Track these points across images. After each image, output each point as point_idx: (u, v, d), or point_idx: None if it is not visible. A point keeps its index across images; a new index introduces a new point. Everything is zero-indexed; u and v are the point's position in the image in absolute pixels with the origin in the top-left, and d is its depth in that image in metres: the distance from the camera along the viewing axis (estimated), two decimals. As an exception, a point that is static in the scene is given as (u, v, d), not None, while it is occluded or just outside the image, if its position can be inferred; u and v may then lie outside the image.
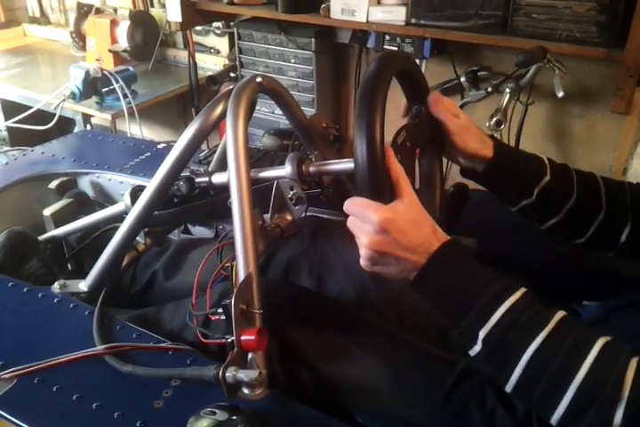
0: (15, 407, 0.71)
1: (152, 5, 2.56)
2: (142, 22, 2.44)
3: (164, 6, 2.35)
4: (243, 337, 0.67)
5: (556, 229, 0.84)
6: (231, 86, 0.80)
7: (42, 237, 1.14)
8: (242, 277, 0.72)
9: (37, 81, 2.43)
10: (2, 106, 2.46)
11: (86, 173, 1.37)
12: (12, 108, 2.38)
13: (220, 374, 0.65)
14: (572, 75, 1.63)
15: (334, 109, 2.28)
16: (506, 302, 0.60)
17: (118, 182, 1.35)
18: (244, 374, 0.65)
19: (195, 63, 2.32)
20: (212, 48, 2.53)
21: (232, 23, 2.28)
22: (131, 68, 2.21)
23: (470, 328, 0.60)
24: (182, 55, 2.53)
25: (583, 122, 1.80)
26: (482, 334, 0.59)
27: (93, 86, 2.07)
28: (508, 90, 1.61)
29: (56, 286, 0.92)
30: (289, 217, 0.83)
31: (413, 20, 1.66)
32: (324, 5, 1.82)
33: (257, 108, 2.31)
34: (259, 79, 0.79)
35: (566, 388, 0.56)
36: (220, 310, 0.73)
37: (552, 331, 0.58)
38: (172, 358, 0.78)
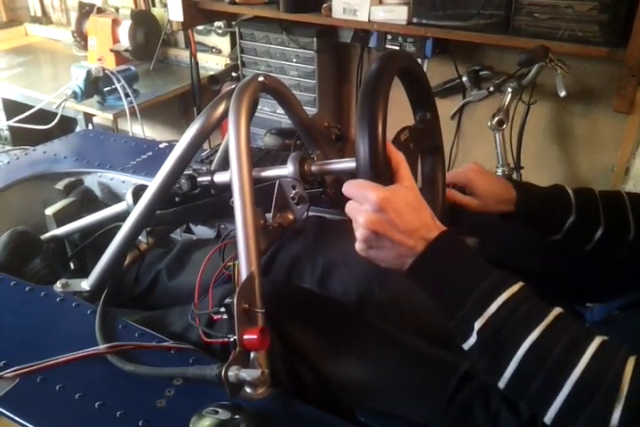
0: (17, 406, 0.71)
1: (154, 5, 2.56)
2: (144, 22, 2.44)
3: (165, 6, 2.35)
4: (245, 336, 0.67)
5: (560, 243, 0.90)
6: (233, 86, 0.80)
7: (44, 237, 1.15)
8: (244, 276, 0.72)
9: (39, 80, 2.44)
10: (4, 105, 2.46)
11: (88, 173, 1.37)
12: (13, 108, 2.38)
13: (223, 373, 0.65)
14: (574, 74, 1.63)
15: (336, 109, 2.28)
16: (503, 294, 0.59)
17: (120, 182, 1.35)
18: (246, 374, 0.65)
19: (196, 63, 2.32)
20: (213, 47, 2.53)
21: (234, 22, 2.28)
22: (132, 68, 2.21)
23: (466, 319, 0.60)
24: (184, 55, 2.53)
25: (585, 121, 1.79)
26: (477, 325, 0.59)
27: (95, 86, 2.07)
28: (509, 89, 1.61)
29: (58, 286, 0.92)
30: (291, 216, 0.83)
31: (415, 20, 1.66)
32: (325, 5, 1.82)
33: (259, 107, 2.30)
34: (261, 78, 0.79)
35: (562, 384, 0.55)
36: (222, 310, 0.73)
37: (549, 325, 0.57)
38: (174, 358, 0.78)
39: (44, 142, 1.49)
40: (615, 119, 1.68)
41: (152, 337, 0.82)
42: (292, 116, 0.90)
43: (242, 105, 0.76)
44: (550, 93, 1.73)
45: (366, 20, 1.74)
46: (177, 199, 0.97)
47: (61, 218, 1.19)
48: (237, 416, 0.65)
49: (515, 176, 1.72)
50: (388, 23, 1.72)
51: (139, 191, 0.95)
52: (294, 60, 2.09)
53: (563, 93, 1.47)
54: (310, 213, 1.11)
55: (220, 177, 0.90)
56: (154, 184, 0.83)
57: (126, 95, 2.11)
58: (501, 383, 0.60)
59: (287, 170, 0.82)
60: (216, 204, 0.95)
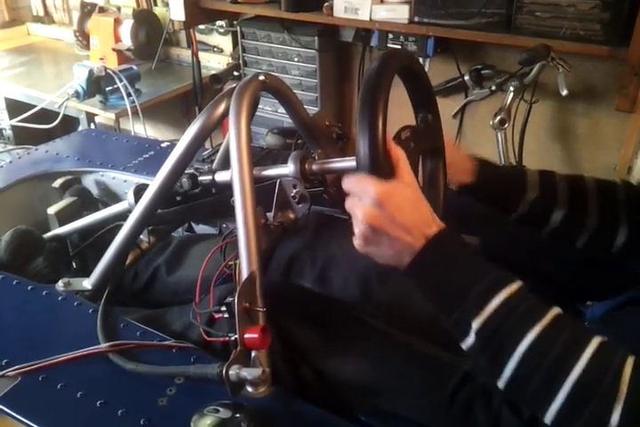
0: (19, 405, 0.72)
1: (155, 4, 2.57)
2: (146, 21, 2.44)
3: (167, 5, 2.35)
4: (246, 335, 0.67)
5: (554, 236, 0.88)
6: (234, 84, 0.80)
7: (46, 236, 1.15)
8: (245, 275, 0.72)
9: (41, 80, 2.44)
10: (6, 105, 2.47)
11: (90, 172, 1.37)
12: (16, 107, 2.38)
13: (224, 372, 0.66)
14: (577, 73, 1.63)
15: (338, 108, 2.28)
16: (501, 293, 0.59)
17: (122, 181, 1.35)
18: (247, 373, 0.65)
19: (198, 62, 2.32)
20: (215, 47, 2.53)
21: (235, 22, 2.28)
22: (134, 67, 2.21)
23: (463, 319, 0.59)
24: (186, 54, 2.53)
25: (587, 120, 1.79)
26: (475, 325, 0.58)
27: (97, 85, 2.08)
28: (511, 88, 1.61)
29: (60, 285, 0.92)
30: (292, 215, 0.83)
31: (417, 19, 1.66)
32: (327, 4, 1.82)
33: (260, 106, 2.30)
34: (261, 77, 0.79)
35: (561, 384, 0.55)
36: (223, 309, 0.73)
37: (548, 325, 0.57)
38: (175, 356, 0.78)
39: (46, 142, 1.49)
40: (617, 118, 1.68)
41: (153, 336, 0.82)
42: (293, 115, 0.90)
43: (242, 104, 0.76)
44: (552, 92, 1.73)
45: (368, 18, 1.74)
46: (178, 198, 0.97)
47: (63, 217, 1.19)
48: (238, 415, 0.65)
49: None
50: (389, 22, 1.72)
51: (140, 190, 0.95)
52: (296, 59, 2.09)
53: (564, 92, 1.47)
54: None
55: (220, 176, 0.90)
56: (155, 183, 0.83)
57: (128, 95, 2.11)
58: (500, 383, 0.60)
59: (288, 169, 0.81)
60: (217, 203, 0.95)
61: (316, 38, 1.99)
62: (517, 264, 1.00)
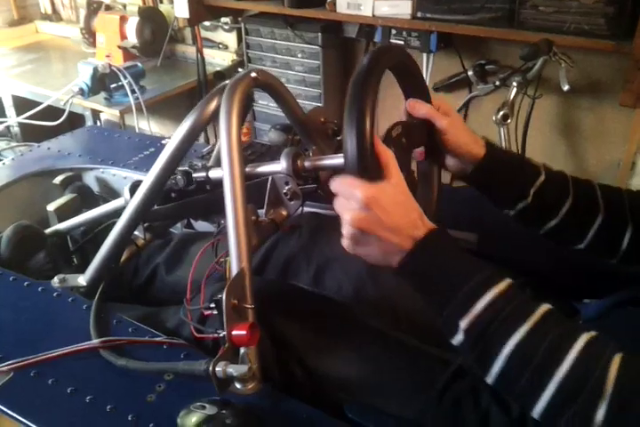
0: (10, 400, 0.72)
1: (161, 1, 2.57)
2: (151, 18, 2.44)
3: (172, 2, 2.35)
4: (234, 332, 0.67)
5: (554, 234, 0.83)
6: (225, 82, 0.80)
7: (47, 232, 1.16)
8: (234, 272, 0.72)
9: (48, 77, 2.46)
10: (13, 102, 2.49)
11: (91, 169, 1.38)
12: (23, 105, 2.40)
13: (211, 368, 0.66)
14: (581, 68, 1.61)
15: (341, 104, 2.26)
16: (489, 292, 0.59)
17: (122, 177, 1.36)
18: (233, 369, 0.65)
19: (203, 59, 2.32)
20: (220, 43, 2.53)
21: (240, 18, 2.28)
22: (139, 64, 2.21)
23: (452, 318, 0.60)
24: (191, 51, 2.53)
25: (592, 115, 1.77)
26: (463, 324, 0.59)
27: (102, 82, 2.09)
28: (514, 83, 1.59)
29: (56, 281, 0.93)
30: (284, 212, 0.83)
31: (419, 14, 1.65)
32: (329, 0, 1.81)
33: (264, 102, 2.32)
34: (253, 74, 0.79)
35: (548, 382, 0.55)
36: (212, 305, 0.73)
37: (536, 323, 0.57)
38: (166, 353, 0.78)
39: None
40: (623, 113, 1.65)
41: (145, 332, 0.82)
42: (287, 111, 0.89)
43: (233, 101, 0.75)
44: (556, 87, 1.70)
45: (370, 14, 1.73)
46: (173, 195, 0.97)
47: (62, 213, 1.20)
48: (224, 411, 0.65)
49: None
50: (392, 18, 1.71)
51: (136, 187, 0.95)
52: (299, 55, 2.08)
53: (566, 88, 1.45)
54: (306, 209, 1.11)
55: (214, 173, 0.90)
56: (147, 180, 0.84)
57: (132, 91, 2.12)
58: (489, 380, 0.60)
59: (280, 166, 0.81)
60: (212, 199, 0.95)
61: (320, 34, 1.98)
62: (514, 261, 1.00)
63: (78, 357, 0.78)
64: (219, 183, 0.89)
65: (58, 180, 1.31)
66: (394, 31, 1.77)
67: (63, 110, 2.13)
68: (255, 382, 0.71)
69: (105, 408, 0.70)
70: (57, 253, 1.14)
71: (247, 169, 0.88)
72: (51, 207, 1.20)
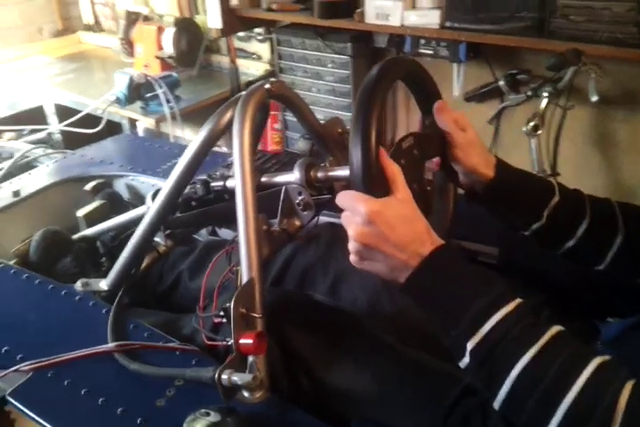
0: (27, 400, 0.75)
1: (197, 12, 2.64)
2: (187, 29, 2.50)
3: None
4: (241, 341, 0.68)
5: (572, 255, 0.81)
6: (242, 93, 0.82)
7: (75, 237, 1.20)
8: (245, 281, 0.73)
9: (88, 86, 2.54)
10: (56, 110, 2.59)
11: (121, 176, 1.42)
12: (65, 112, 2.49)
13: (216, 376, 0.67)
14: (615, 78, 1.57)
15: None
16: (497, 313, 0.57)
17: (150, 185, 1.39)
18: (238, 378, 0.66)
19: (236, 69, 2.37)
20: (254, 54, 2.58)
21: (272, 29, 2.31)
22: (174, 74, 2.27)
23: (459, 339, 0.59)
24: (226, 61, 2.58)
25: (628, 127, 1.72)
26: (470, 346, 0.57)
27: (137, 92, 2.15)
28: (545, 94, 1.56)
29: (78, 285, 0.96)
30: (297, 223, 0.84)
31: (448, 24, 1.64)
32: (358, 10, 1.82)
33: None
34: (267, 85, 0.80)
35: (556, 408, 0.53)
36: (221, 314, 0.74)
37: (544, 347, 0.55)
38: (178, 359, 0.80)
39: (91, 146, 1.56)
40: (659, 125, 1.61)
41: (160, 338, 0.84)
42: (303, 122, 0.90)
43: (246, 112, 0.77)
44: (589, 98, 1.67)
45: (399, 24, 1.73)
46: (193, 204, 0.99)
47: (91, 219, 1.24)
48: (228, 419, 0.66)
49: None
50: (420, 27, 1.70)
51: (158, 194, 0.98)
52: (330, 65, 2.10)
53: (594, 98, 1.42)
54: (324, 220, 1.11)
55: (231, 182, 0.92)
56: (164, 189, 0.86)
57: (167, 101, 2.18)
58: (496, 404, 0.59)
59: (294, 176, 0.82)
60: (230, 208, 0.97)
61: (349, 44, 2.00)
62: (536, 276, 0.98)
63: (94, 360, 0.80)
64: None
65: (89, 186, 1.35)
66: (422, 41, 1.77)
67: (101, 118, 2.20)
68: (263, 391, 0.72)
69: (116, 411, 0.72)
70: (84, 258, 1.17)
71: (263, 179, 0.90)
72: (80, 213, 1.24)
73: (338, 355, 0.78)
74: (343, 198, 0.64)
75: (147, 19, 2.60)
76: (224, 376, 0.66)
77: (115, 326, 0.85)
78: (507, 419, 0.67)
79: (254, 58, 2.58)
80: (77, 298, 0.94)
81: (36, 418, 0.72)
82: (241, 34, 2.49)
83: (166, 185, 0.86)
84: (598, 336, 0.82)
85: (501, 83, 1.82)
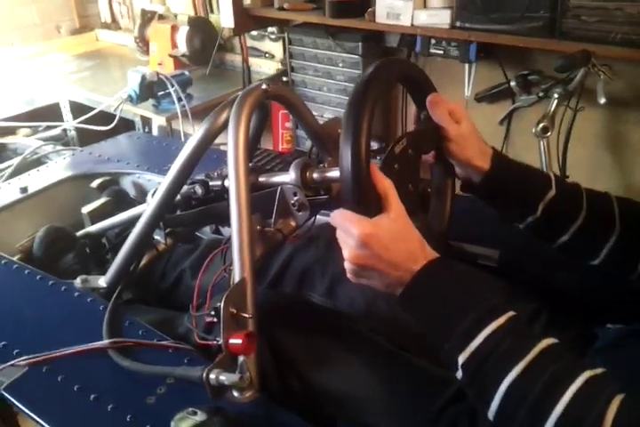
0: (22, 394, 0.76)
1: (212, 11, 2.65)
2: (201, 28, 2.51)
3: (221, 12, 2.42)
4: (230, 340, 0.68)
5: (566, 249, 0.80)
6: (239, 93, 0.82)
7: (78, 234, 1.21)
8: (236, 281, 0.73)
9: (103, 84, 2.56)
10: (71, 107, 2.62)
11: (128, 174, 1.43)
12: (79, 110, 2.52)
13: (204, 375, 0.67)
14: (628, 79, 1.54)
15: (382, 113, 2.26)
16: (487, 328, 0.57)
17: (156, 183, 1.39)
18: (225, 377, 0.66)
19: (248, 67, 2.37)
20: (267, 53, 2.58)
21: (285, 28, 2.31)
22: (186, 73, 2.28)
23: (450, 353, 0.59)
24: (239, 60, 2.58)
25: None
26: (461, 359, 0.58)
27: (150, 90, 2.16)
28: (555, 95, 1.54)
29: (78, 281, 0.97)
30: (293, 223, 0.84)
31: (458, 24, 1.62)
32: (369, 9, 1.81)
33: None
34: (264, 86, 0.80)
35: (544, 422, 0.53)
36: (212, 313, 0.75)
37: (532, 361, 0.55)
38: (171, 357, 0.80)
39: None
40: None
41: (154, 335, 0.84)
42: (302, 122, 0.90)
43: (242, 112, 0.77)
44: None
45: (409, 24, 1.72)
46: (194, 203, 1.00)
47: (96, 216, 1.25)
48: (214, 419, 0.66)
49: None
50: (430, 27, 1.69)
51: (159, 193, 0.98)
52: (340, 64, 2.09)
53: (602, 101, 1.39)
54: (323, 220, 1.11)
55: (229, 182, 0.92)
56: (161, 187, 0.86)
57: (179, 99, 2.19)
58: (490, 415, 0.59)
59: (289, 176, 0.82)
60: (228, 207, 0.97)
61: (360, 44, 1.99)
62: (536, 281, 0.97)
63: (89, 356, 0.81)
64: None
65: (95, 183, 1.36)
66: (433, 41, 1.75)
67: (115, 116, 2.22)
68: (252, 391, 0.72)
69: (107, 408, 0.73)
70: (86, 255, 1.18)
71: (261, 179, 0.90)
72: (85, 210, 1.25)
73: (328, 357, 0.78)
74: (336, 218, 0.64)
75: (162, 17, 2.62)
76: (212, 376, 0.67)
77: (110, 323, 0.86)
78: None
79: (267, 57, 2.58)
80: (76, 294, 0.95)
81: (29, 413, 0.73)
82: (254, 33, 2.50)
83: (163, 184, 0.87)
84: (595, 343, 0.81)
85: (513, 83, 1.80)
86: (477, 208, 1.01)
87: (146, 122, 2.40)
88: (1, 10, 2.80)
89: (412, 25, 1.71)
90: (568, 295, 0.94)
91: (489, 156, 0.76)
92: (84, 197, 1.36)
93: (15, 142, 1.98)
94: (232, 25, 2.12)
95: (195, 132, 2.40)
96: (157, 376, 0.76)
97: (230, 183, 0.76)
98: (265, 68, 2.58)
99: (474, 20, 1.59)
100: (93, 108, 2.29)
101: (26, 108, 2.66)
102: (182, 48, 2.50)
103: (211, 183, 0.94)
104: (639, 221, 0.77)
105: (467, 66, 1.83)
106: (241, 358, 0.71)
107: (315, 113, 2.34)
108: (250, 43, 2.54)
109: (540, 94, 1.72)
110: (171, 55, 2.52)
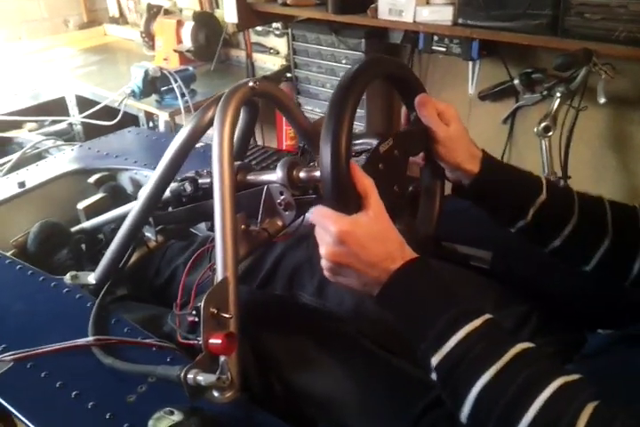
0: (4, 390, 0.76)
1: (217, 6, 2.64)
2: (206, 23, 2.51)
3: (226, 7, 2.41)
4: (210, 340, 0.68)
5: (558, 254, 0.79)
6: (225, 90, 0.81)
7: (72, 229, 1.21)
8: (218, 280, 0.73)
9: (109, 78, 2.57)
10: (77, 101, 2.63)
11: (125, 170, 1.43)
12: (85, 104, 2.53)
13: (182, 375, 0.67)
14: (632, 78, 1.51)
15: (385, 110, 2.24)
16: (461, 330, 0.57)
17: (153, 179, 1.40)
18: (202, 378, 0.66)
19: (252, 63, 2.37)
20: (271, 48, 2.57)
21: (289, 24, 2.30)
22: (190, 68, 2.28)
23: (425, 354, 0.58)
24: (244, 55, 2.58)
25: (644, 129, 1.66)
26: (434, 361, 0.57)
27: (153, 85, 2.16)
28: (558, 94, 1.52)
29: (67, 277, 0.97)
30: (279, 222, 0.83)
31: (460, 21, 1.60)
32: (372, 5, 1.79)
33: (309, 108, 2.33)
34: (251, 83, 0.79)
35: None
36: (194, 312, 0.74)
37: (505, 365, 0.54)
38: (154, 355, 0.80)
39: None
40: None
41: (139, 333, 0.84)
42: (291, 121, 0.89)
43: (227, 110, 0.76)
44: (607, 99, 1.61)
45: (411, 20, 1.70)
46: (184, 200, 0.99)
47: (91, 212, 1.26)
48: (190, 419, 0.66)
49: (562, 186, 1.62)
50: (433, 24, 1.67)
51: (150, 190, 0.98)
52: (344, 61, 2.08)
53: (602, 100, 1.37)
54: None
55: (217, 180, 0.91)
56: (148, 185, 0.86)
57: (182, 95, 2.19)
58: (463, 419, 0.58)
59: (276, 175, 0.81)
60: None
61: (364, 41, 1.97)
62: (528, 283, 0.95)
63: (73, 353, 0.81)
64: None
65: (92, 179, 1.36)
66: (436, 38, 1.73)
67: (119, 111, 2.23)
68: (233, 391, 0.71)
69: (87, 405, 0.73)
70: (80, 251, 1.19)
71: (250, 177, 0.89)
72: (80, 206, 1.25)
73: (309, 359, 0.77)
74: (315, 215, 0.64)
75: (168, 12, 2.61)
76: (190, 376, 0.66)
77: (96, 320, 0.86)
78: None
79: (271, 53, 2.57)
80: (65, 291, 0.95)
81: (10, 408, 0.73)
82: (259, 28, 2.49)
83: (150, 181, 0.87)
84: (583, 347, 0.80)
85: (516, 81, 1.78)
86: (471, 209, 1.00)
87: (149, 117, 2.40)
88: (9, 4, 2.82)
89: (415, 21, 1.70)
90: (560, 299, 0.93)
91: (479, 159, 0.75)
92: (81, 193, 1.36)
93: (19, 136, 1.99)
94: (236, 20, 2.11)
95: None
96: (138, 375, 0.75)
97: (214, 181, 0.76)
98: (269, 63, 2.57)
99: (476, 17, 1.57)
100: (98, 103, 2.30)
101: (32, 103, 2.68)
102: (187, 43, 2.50)
103: (200, 181, 0.94)
104: (632, 227, 0.76)
105: (470, 64, 1.81)
106: (222, 358, 0.71)
107: (318, 110, 2.33)
108: (255, 38, 2.53)
109: (544, 93, 1.69)
110: (175, 50, 2.52)
